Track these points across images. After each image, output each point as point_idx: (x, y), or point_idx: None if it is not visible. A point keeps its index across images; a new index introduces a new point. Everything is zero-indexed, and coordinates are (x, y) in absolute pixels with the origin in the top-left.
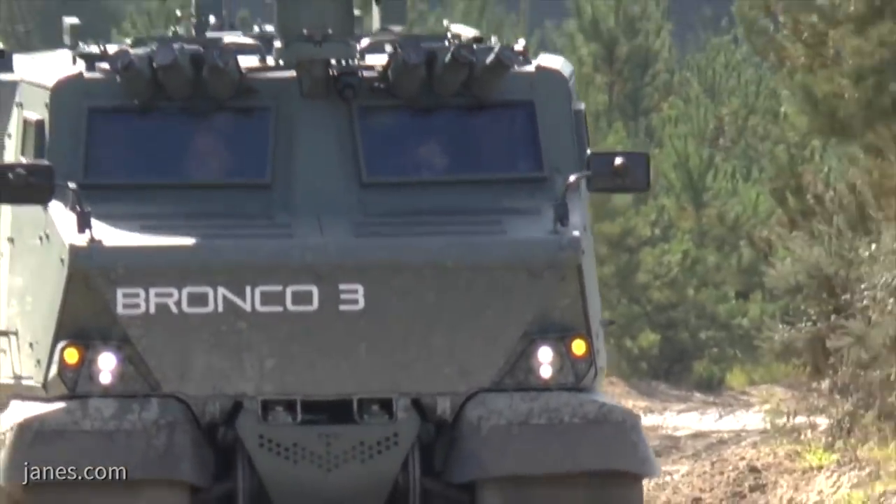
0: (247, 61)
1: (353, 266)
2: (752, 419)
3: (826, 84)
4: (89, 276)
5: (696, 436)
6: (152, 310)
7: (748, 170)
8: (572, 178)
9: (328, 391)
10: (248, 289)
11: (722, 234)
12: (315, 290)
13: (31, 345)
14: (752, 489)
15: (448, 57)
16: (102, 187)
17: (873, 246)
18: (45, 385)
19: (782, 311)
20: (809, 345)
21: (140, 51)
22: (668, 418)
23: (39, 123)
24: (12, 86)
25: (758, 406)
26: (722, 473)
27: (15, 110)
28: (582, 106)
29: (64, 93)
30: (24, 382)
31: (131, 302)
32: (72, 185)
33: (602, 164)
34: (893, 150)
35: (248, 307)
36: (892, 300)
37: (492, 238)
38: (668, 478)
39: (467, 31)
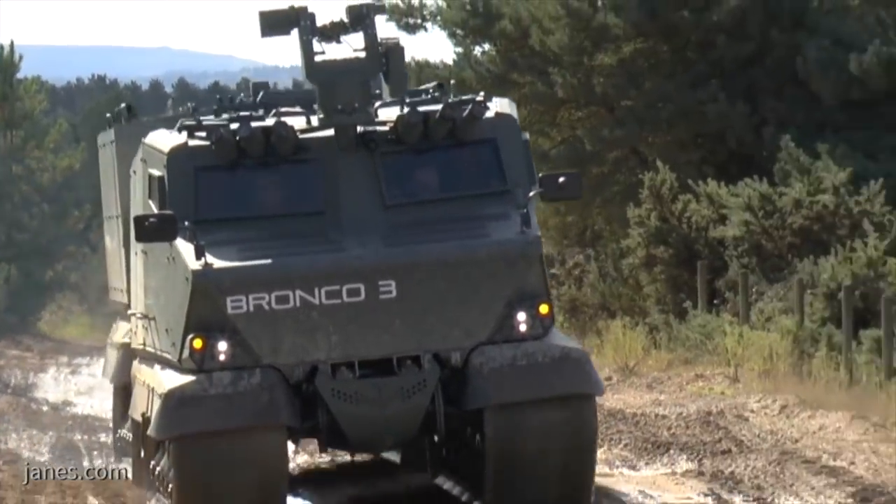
0: (296, 122)
1: (387, 268)
2: None
3: None
4: (207, 289)
5: None
6: (251, 309)
7: None
8: (531, 193)
9: (376, 354)
10: (315, 289)
11: None
12: (362, 287)
13: (167, 330)
14: None
15: (438, 114)
16: (207, 221)
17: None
18: (179, 361)
19: None
20: None
21: (225, 121)
22: None
23: (161, 178)
24: (138, 129)
25: None
26: None
27: (140, 164)
28: (526, 136)
29: (176, 157)
30: (163, 354)
31: (237, 304)
32: (187, 223)
33: (550, 182)
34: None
35: (316, 302)
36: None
37: (480, 241)
38: None
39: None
